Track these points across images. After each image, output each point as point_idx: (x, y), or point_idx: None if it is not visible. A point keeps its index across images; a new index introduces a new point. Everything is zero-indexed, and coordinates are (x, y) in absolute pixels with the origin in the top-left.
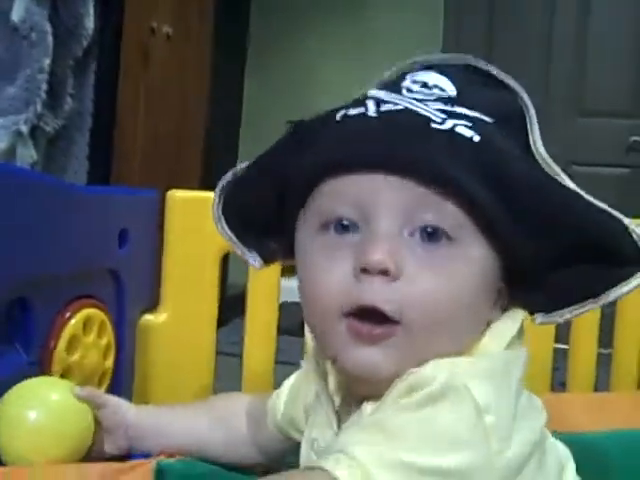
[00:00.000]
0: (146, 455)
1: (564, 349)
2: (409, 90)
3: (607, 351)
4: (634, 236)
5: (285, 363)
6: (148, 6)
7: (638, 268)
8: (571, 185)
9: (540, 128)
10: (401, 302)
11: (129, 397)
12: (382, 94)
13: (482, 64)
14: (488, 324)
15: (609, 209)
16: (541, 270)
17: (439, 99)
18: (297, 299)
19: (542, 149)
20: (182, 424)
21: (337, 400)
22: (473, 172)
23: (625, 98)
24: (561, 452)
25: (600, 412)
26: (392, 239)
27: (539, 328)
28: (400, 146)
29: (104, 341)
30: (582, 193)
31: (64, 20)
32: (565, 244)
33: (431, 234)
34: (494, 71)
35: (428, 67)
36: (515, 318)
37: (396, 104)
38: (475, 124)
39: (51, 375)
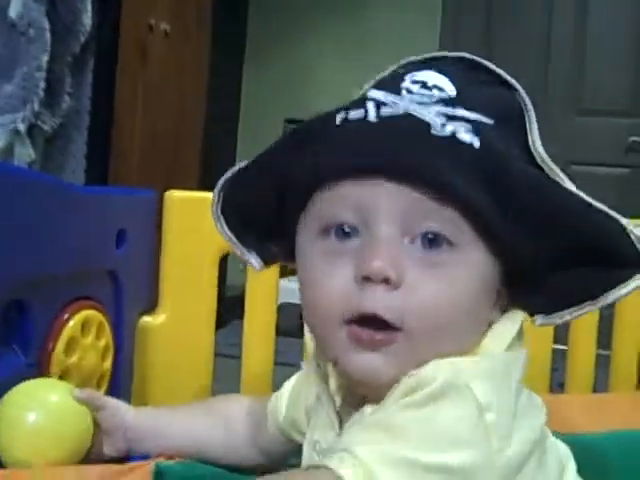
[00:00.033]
0: (145, 457)
1: (563, 350)
2: (409, 91)
3: (606, 352)
4: (632, 237)
5: (284, 364)
6: (146, 3)
7: (637, 270)
8: (570, 185)
9: (539, 127)
10: (402, 310)
11: (128, 399)
12: (381, 95)
13: (477, 58)
14: (489, 325)
15: (607, 210)
16: (540, 272)
17: (439, 101)
18: (296, 300)
19: (541, 149)
20: (181, 426)
21: (338, 402)
22: (473, 177)
23: (624, 98)
24: (562, 451)
25: (599, 413)
26: (393, 246)
27: (538, 329)
28: (401, 153)
29: (102, 342)
30: (581, 194)
31: (62, 17)
32: (564, 245)
33: (432, 240)
34: (492, 67)
35: (427, 64)
36: (515, 319)
37: (396, 108)
38: (475, 127)
39: (49, 377)
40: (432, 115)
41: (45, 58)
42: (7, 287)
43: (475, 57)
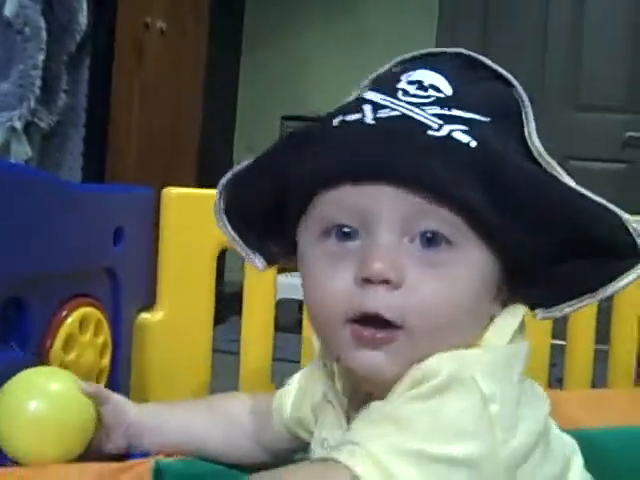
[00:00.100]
0: (145, 455)
1: (561, 345)
2: (405, 92)
3: (604, 347)
4: (630, 229)
5: (282, 360)
6: (142, 1)
7: (635, 261)
8: (567, 179)
9: (536, 123)
10: (403, 309)
11: (126, 395)
12: (378, 97)
13: (473, 54)
14: (490, 319)
15: (606, 203)
16: (539, 266)
17: (435, 102)
18: (294, 296)
19: (538, 144)
20: (183, 423)
21: (345, 400)
22: (470, 177)
23: (621, 93)
24: (567, 444)
25: (598, 409)
26: (392, 248)
27: (536, 324)
28: (398, 156)
29: (100, 340)
30: (578, 187)
31: (57, 15)
32: (562, 239)
33: (431, 239)
34: (489, 63)
35: (423, 62)
36: (516, 313)
37: (393, 109)
38: (471, 127)
39: None
40: (428, 116)
41: (41, 56)
42: (5, 284)
43: (472, 53)
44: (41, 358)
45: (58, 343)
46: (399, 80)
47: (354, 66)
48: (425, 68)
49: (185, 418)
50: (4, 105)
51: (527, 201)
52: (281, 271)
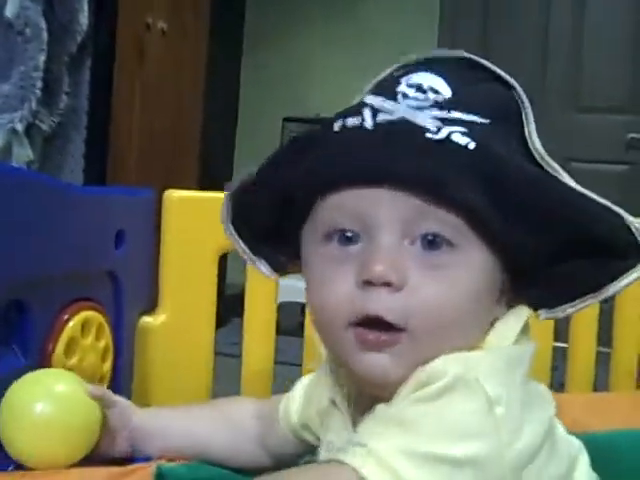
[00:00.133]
0: (148, 459)
1: (563, 348)
2: (404, 95)
3: (606, 350)
4: (632, 229)
5: (284, 363)
6: (143, 1)
7: (637, 261)
8: (568, 180)
9: (537, 124)
10: (405, 311)
11: (128, 399)
12: (378, 102)
13: (475, 57)
14: (494, 321)
15: (607, 202)
16: (540, 267)
17: (434, 104)
18: (296, 299)
19: (539, 145)
20: (186, 427)
21: (351, 404)
22: (470, 179)
23: (623, 94)
24: (573, 443)
25: (600, 412)
26: (393, 250)
27: (538, 327)
28: (397, 159)
29: (102, 343)
30: (579, 187)
31: (58, 16)
32: (563, 239)
33: (431, 241)
34: (489, 65)
35: (424, 66)
36: (519, 314)
37: (392, 113)
38: (470, 129)
39: None
40: (427, 119)
41: (42, 57)
42: (6, 287)
43: (473, 56)
44: (43, 362)
45: (60, 347)
46: (399, 83)
47: (355, 67)
48: (425, 71)
49: (189, 422)
50: (5, 107)
51: (527, 201)
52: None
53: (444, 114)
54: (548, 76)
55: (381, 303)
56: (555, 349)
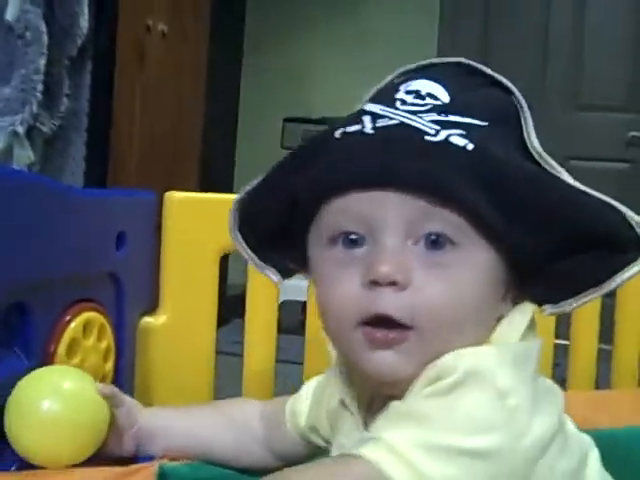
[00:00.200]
0: (153, 458)
1: (565, 345)
2: (403, 102)
3: (608, 347)
4: (633, 223)
5: (286, 362)
6: (143, 4)
7: (638, 254)
8: (567, 178)
9: (538, 122)
10: (411, 309)
11: None
12: (377, 108)
13: (474, 63)
14: (499, 318)
15: (606, 198)
16: (542, 263)
17: (432, 109)
18: (297, 298)
19: (537, 145)
20: (192, 427)
21: (362, 406)
22: (469, 179)
23: (623, 93)
24: (583, 439)
25: (603, 410)
26: (398, 251)
27: (539, 324)
28: (397, 161)
29: (104, 344)
30: (578, 185)
31: (59, 19)
32: (562, 237)
33: (435, 241)
34: (488, 71)
35: (423, 73)
36: (525, 311)
37: (391, 118)
38: (469, 131)
39: None
40: (425, 123)
41: (43, 61)
42: (8, 290)
43: (471, 62)
44: (45, 363)
45: (62, 348)
46: (397, 90)
47: (356, 68)
48: (423, 78)
49: (191, 422)
50: (6, 110)
51: (526, 200)
52: None
53: (442, 117)
54: (548, 75)
55: (388, 302)
56: (557, 346)
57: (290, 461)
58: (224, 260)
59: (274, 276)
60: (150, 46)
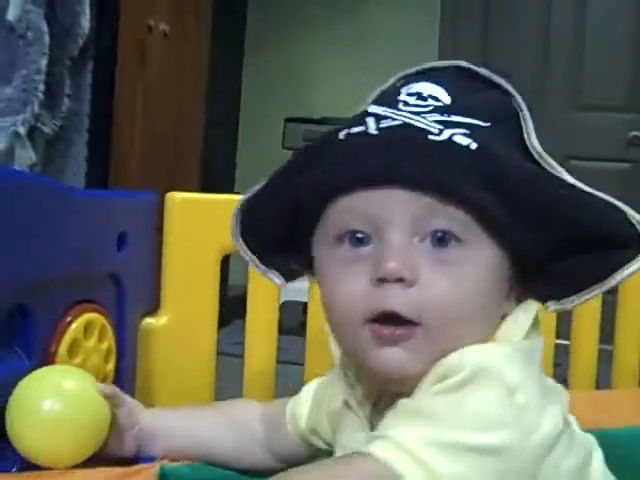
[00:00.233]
0: (154, 459)
1: (565, 345)
2: (406, 104)
3: (609, 347)
4: (634, 222)
5: (286, 363)
6: (145, 4)
7: (638, 251)
8: (568, 177)
9: (538, 122)
10: (418, 306)
11: None
12: (380, 110)
13: (474, 66)
14: (504, 316)
15: (607, 197)
16: (543, 260)
17: (434, 110)
18: (298, 298)
19: (538, 145)
20: (193, 428)
21: (367, 406)
22: (473, 177)
23: (623, 93)
24: (587, 438)
25: (603, 410)
26: (405, 248)
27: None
28: (402, 160)
29: (105, 345)
30: (578, 184)
31: (60, 19)
32: (563, 234)
33: (440, 238)
34: (485, 73)
35: (423, 76)
36: (529, 309)
37: (394, 119)
38: (471, 131)
39: None
40: (428, 123)
41: (44, 61)
42: (9, 291)
43: (472, 66)
44: (46, 364)
45: (63, 349)
46: (399, 93)
47: (356, 67)
48: (425, 81)
49: (191, 423)
50: (8, 110)
51: (526, 199)
52: None
53: (445, 117)
54: (549, 75)
55: (395, 299)
56: (557, 346)
57: (291, 463)
58: (225, 261)
59: (277, 279)
60: (151, 46)
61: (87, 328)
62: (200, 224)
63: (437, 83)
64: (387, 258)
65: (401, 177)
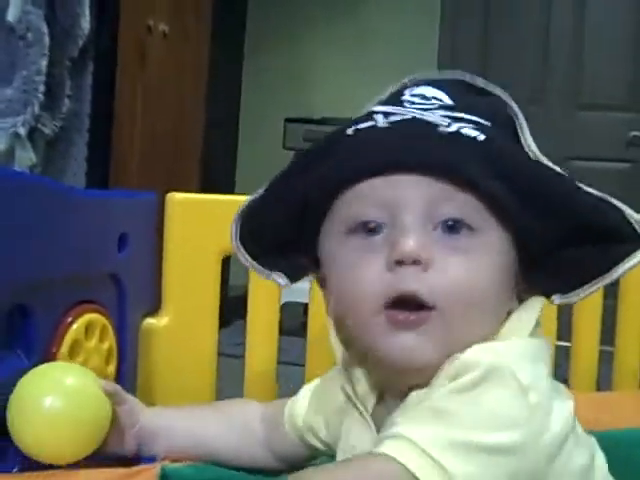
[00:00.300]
0: (154, 458)
1: (566, 347)
2: (411, 102)
3: (610, 349)
4: (632, 221)
5: (287, 363)
6: (144, 4)
7: (638, 246)
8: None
9: (538, 123)
10: (434, 289)
11: None
12: (387, 108)
13: (470, 78)
14: (509, 313)
15: (605, 196)
16: (550, 251)
17: (439, 107)
18: (299, 299)
19: (536, 149)
20: (194, 427)
21: (371, 401)
22: (483, 166)
23: (624, 92)
24: (590, 440)
25: (604, 411)
26: (419, 232)
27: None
28: (415, 147)
29: (106, 346)
30: (577, 182)
31: (60, 20)
32: (567, 224)
33: (452, 226)
34: (482, 84)
35: (423, 81)
36: (533, 306)
37: (402, 115)
38: (477, 126)
39: None
40: (437, 117)
41: (44, 62)
42: (9, 291)
43: (467, 78)
44: None
45: (64, 349)
46: (403, 94)
47: (356, 67)
48: (426, 85)
49: (192, 423)
50: (8, 111)
51: (533, 188)
52: None
53: (450, 113)
54: (549, 75)
55: (413, 281)
56: (558, 348)
57: (291, 462)
58: (226, 261)
59: (282, 280)
60: (151, 46)
61: (88, 329)
62: (200, 225)
63: (438, 88)
64: (403, 240)
65: (415, 162)
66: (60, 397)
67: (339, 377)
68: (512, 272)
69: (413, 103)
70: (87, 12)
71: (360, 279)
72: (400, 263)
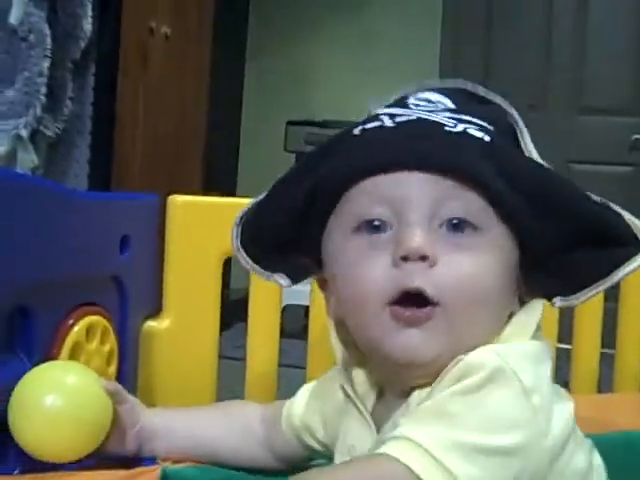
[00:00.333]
0: (155, 458)
1: (567, 349)
2: (416, 105)
3: (610, 351)
4: (632, 225)
5: (288, 366)
6: (146, 6)
7: (637, 250)
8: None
9: (540, 126)
10: (440, 285)
11: None
12: (393, 110)
13: (472, 87)
14: (510, 315)
15: (604, 200)
16: (552, 252)
17: (444, 110)
18: (299, 302)
19: (536, 155)
20: (194, 428)
21: (370, 403)
22: (489, 165)
23: (626, 96)
24: (587, 441)
25: (604, 414)
26: (425, 229)
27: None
28: (421, 146)
29: (107, 348)
30: (577, 187)
31: (62, 22)
32: (569, 226)
33: (457, 225)
34: (483, 92)
35: (426, 88)
36: (534, 309)
37: (409, 115)
38: (482, 128)
39: None
40: (442, 118)
41: (46, 64)
42: (11, 293)
43: (468, 87)
44: None
45: (65, 351)
46: (408, 98)
47: (359, 69)
48: (429, 91)
49: (196, 423)
50: (10, 113)
51: (536, 189)
52: None
53: (455, 115)
54: (551, 78)
55: (419, 277)
56: (559, 350)
57: (291, 463)
58: (227, 264)
59: (284, 281)
60: (153, 48)
61: (89, 331)
62: (202, 227)
63: (441, 94)
64: (410, 237)
65: (421, 160)
66: (61, 396)
67: (338, 377)
68: (515, 273)
69: (418, 106)
70: (89, 14)
71: (365, 276)
72: (406, 259)
